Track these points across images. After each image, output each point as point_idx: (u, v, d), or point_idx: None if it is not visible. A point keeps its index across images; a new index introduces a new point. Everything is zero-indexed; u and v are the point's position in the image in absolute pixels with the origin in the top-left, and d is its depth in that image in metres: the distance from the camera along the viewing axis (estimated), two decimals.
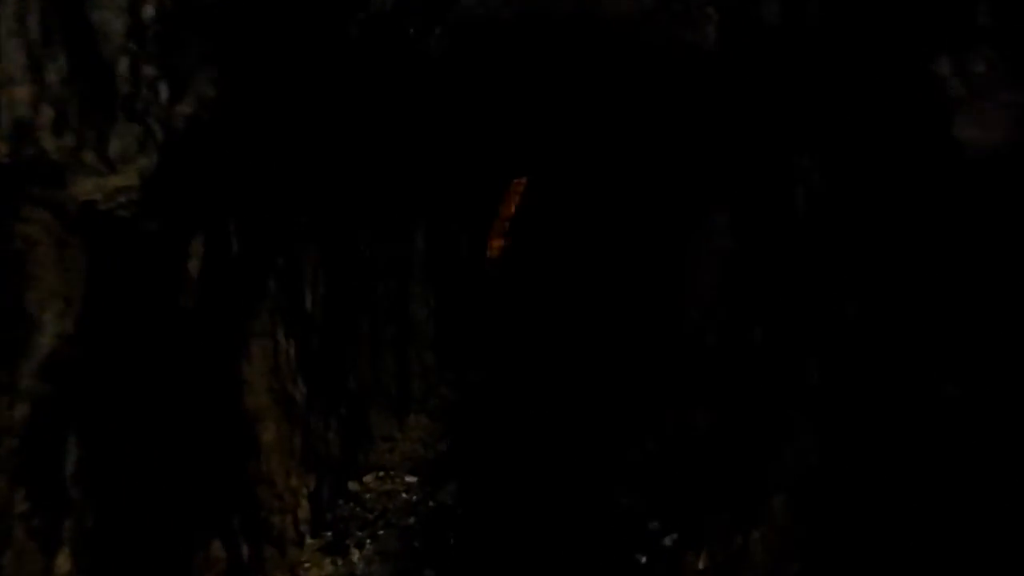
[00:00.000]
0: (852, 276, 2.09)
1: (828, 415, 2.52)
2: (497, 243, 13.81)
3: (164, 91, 1.58)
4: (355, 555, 3.13)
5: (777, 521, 2.79)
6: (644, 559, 3.13)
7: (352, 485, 3.84)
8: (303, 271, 3.69)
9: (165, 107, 1.58)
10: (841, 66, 1.94)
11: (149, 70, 1.52)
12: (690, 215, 4.07)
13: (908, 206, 1.71)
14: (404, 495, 3.80)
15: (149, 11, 1.52)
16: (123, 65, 1.45)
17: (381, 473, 4.07)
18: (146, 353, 1.85)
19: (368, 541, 3.24)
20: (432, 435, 4.81)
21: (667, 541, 3.20)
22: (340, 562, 3.09)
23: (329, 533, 3.24)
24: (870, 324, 2.09)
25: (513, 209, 14.14)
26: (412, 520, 3.50)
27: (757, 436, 3.06)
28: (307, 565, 3.06)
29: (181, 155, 1.64)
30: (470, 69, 4.19)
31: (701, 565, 2.94)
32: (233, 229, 2.44)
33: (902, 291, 1.87)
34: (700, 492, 3.45)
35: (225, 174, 2.19)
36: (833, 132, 2.01)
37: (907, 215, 1.73)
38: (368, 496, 3.77)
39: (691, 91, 3.51)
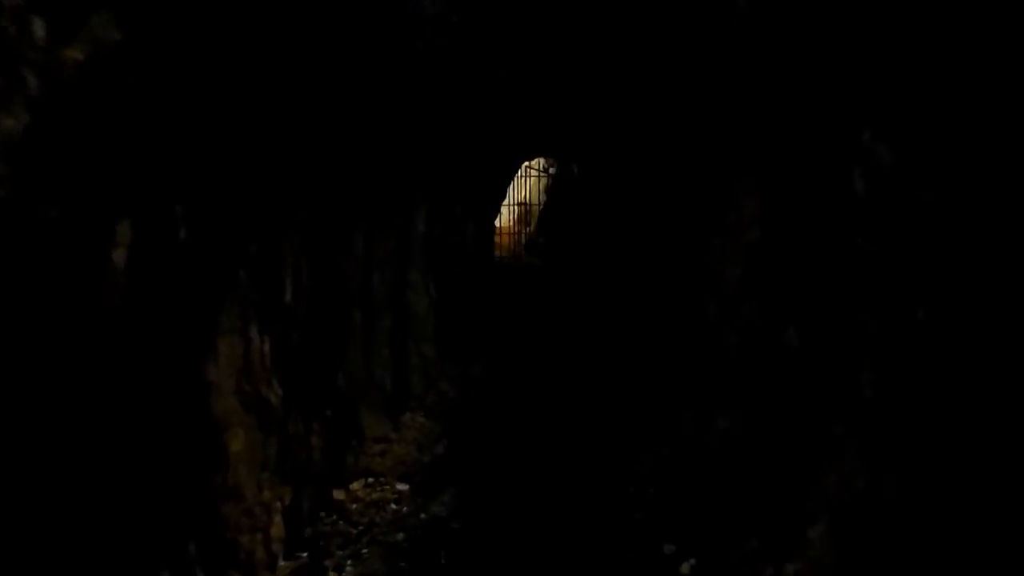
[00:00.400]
0: (926, 273, 1.70)
1: (883, 436, 2.12)
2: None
3: (40, 28, 1.20)
4: None
5: (814, 554, 2.42)
6: None
7: (337, 494, 3.51)
8: (282, 259, 3.33)
9: (43, 50, 1.22)
10: (920, 17, 1.54)
11: None
12: (714, 204, 3.66)
13: (1012, 188, 1.32)
14: (394, 506, 3.46)
15: None
16: None
17: (371, 479, 3.73)
18: (48, 359, 1.50)
19: (349, 562, 2.90)
20: (429, 436, 4.47)
21: (684, 568, 2.83)
22: None
23: (305, 554, 2.91)
24: (948, 334, 1.69)
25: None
26: (400, 536, 3.16)
27: (791, 452, 2.67)
28: None
29: (73, 116, 1.28)
30: (472, 31, 3.78)
31: None
32: (181, 213, 2.07)
33: (997, 296, 1.48)
34: (722, 510, 3.07)
35: (158, 146, 1.82)
36: (909, 97, 1.61)
37: (1010, 199, 1.34)
38: (354, 507, 3.43)
39: (719, 58, 3.09)
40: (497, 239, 12.33)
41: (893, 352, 1.99)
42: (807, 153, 2.45)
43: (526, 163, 13.50)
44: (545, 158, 13.53)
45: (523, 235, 14.08)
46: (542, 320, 8.06)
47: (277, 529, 2.88)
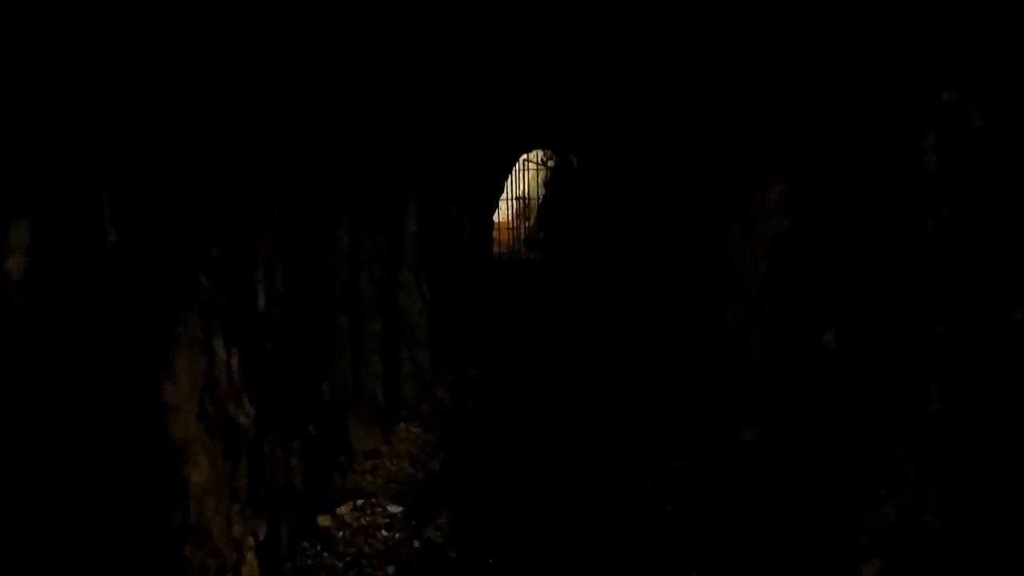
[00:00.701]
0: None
1: (958, 460, 1.78)
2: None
3: None
4: None
5: None
6: None
7: (322, 520, 3.16)
8: (254, 261, 2.98)
9: None
10: None
11: None
12: (732, 190, 3.30)
13: None
14: (384, 532, 3.12)
15: None
16: None
17: (360, 501, 3.38)
18: None
19: None
20: (424, 449, 4.12)
21: None
22: None
23: None
24: None
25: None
26: (391, 569, 2.82)
27: (836, 473, 2.33)
28: None
29: None
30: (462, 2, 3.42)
31: None
32: (108, 210, 1.72)
33: None
34: (755, 536, 2.73)
35: (67, 120, 1.47)
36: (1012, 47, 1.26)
37: None
38: (341, 534, 3.09)
39: (741, 16, 2.74)
40: (496, 234, 12.00)
41: (974, 361, 1.64)
42: (852, 123, 2.09)
43: (524, 156, 13.17)
44: (543, 150, 13.17)
45: (522, 230, 13.73)
46: (544, 319, 7.71)
47: (249, 569, 2.54)
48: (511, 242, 13.32)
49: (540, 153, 13.57)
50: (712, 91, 3.42)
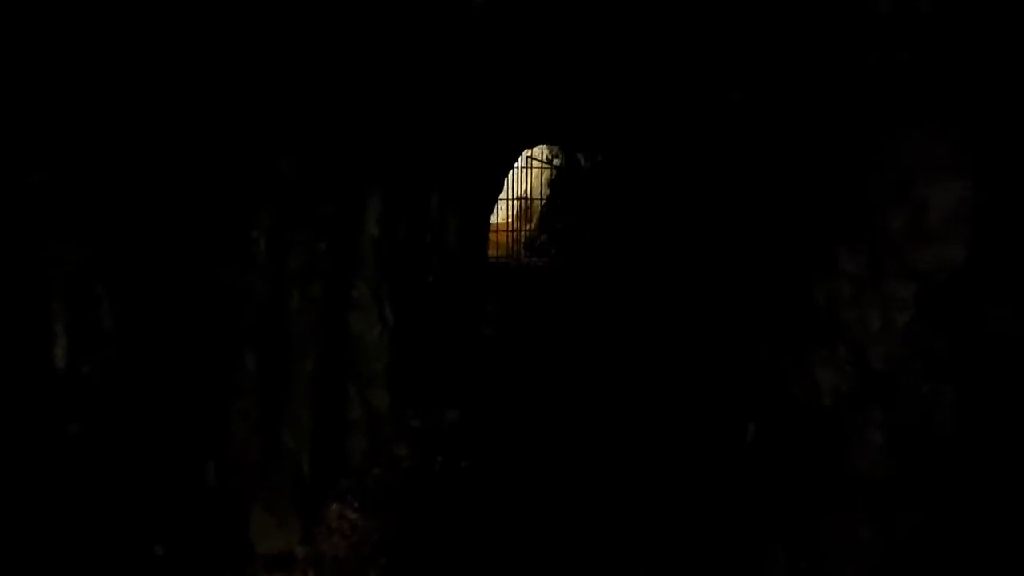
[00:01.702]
0: None
1: None
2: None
3: None
4: None
5: None
6: None
7: None
8: (41, 293, 1.75)
9: None
10: None
11: None
12: (843, 194, 2.09)
13: None
14: None
15: None
16: None
17: None
18: None
19: None
20: (359, 548, 2.89)
21: None
22: None
23: None
24: None
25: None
26: None
27: None
28: None
29: None
30: None
31: None
32: None
33: None
34: None
35: None
36: None
37: None
38: None
39: None
40: (494, 237, 10.83)
41: None
42: None
43: (527, 153, 11.97)
44: (548, 146, 11.96)
45: (523, 233, 12.53)
46: (543, 338, 6.46)
47: None
48: (511, 246, 12.13)
49: (544, 150, 12.35)
50: (801, 31, 2.18)
